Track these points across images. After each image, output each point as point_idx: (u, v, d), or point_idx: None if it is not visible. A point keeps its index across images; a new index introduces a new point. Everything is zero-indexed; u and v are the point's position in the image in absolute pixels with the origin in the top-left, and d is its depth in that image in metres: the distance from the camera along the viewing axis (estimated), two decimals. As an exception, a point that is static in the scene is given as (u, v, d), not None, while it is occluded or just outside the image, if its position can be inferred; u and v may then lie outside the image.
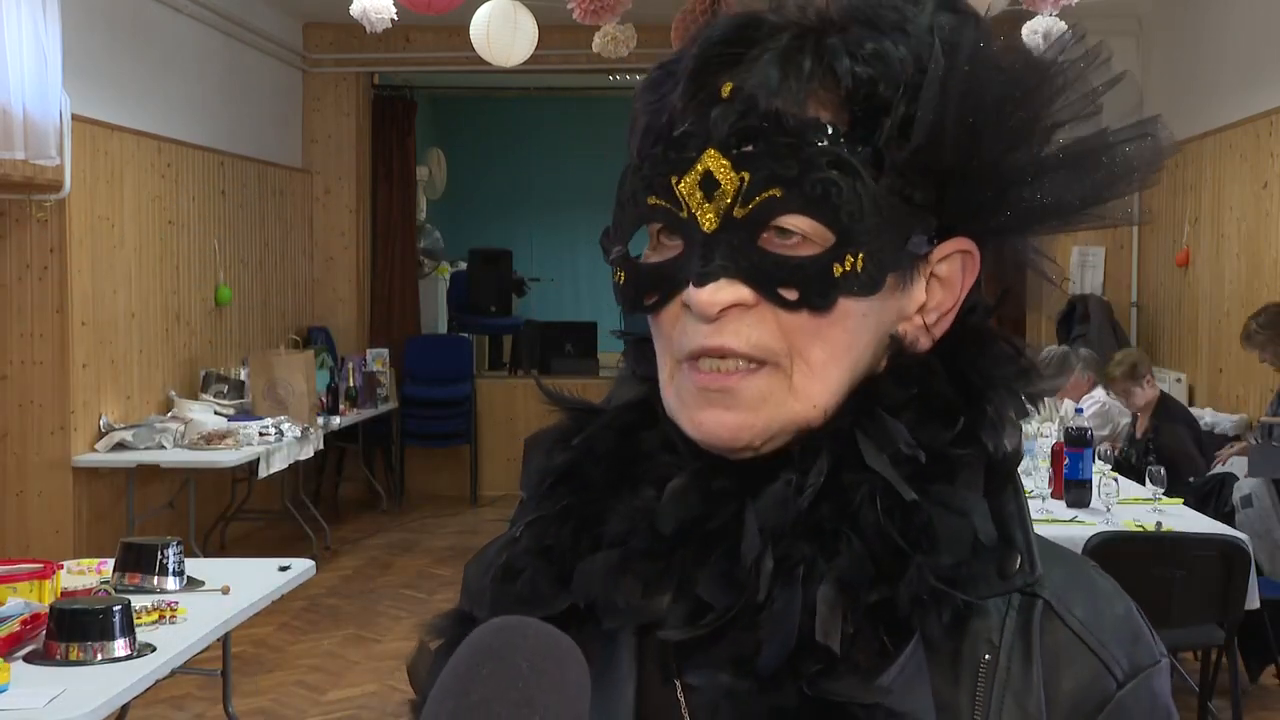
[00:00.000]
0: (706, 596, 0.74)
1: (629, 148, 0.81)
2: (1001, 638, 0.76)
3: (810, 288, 0.74)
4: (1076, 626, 0.77)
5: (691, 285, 0.75)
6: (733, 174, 0.74)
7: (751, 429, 0.75)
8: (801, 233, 0.74)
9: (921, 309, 0.79)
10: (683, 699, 0.76)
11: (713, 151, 0.75)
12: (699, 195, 0.75)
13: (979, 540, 0.74)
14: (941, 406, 0.77)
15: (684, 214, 0.76)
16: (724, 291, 0.74)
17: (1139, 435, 5.90)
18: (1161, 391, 6.02)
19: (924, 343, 0.79)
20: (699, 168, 0.75)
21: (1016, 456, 0.79)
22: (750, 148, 0.74)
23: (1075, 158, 0.77)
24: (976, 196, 0.77)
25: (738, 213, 0.75)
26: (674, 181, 0.76)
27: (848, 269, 0.74)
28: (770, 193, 0.74)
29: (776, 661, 0.71)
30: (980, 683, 0.75)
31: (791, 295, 0.74)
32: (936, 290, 0.79)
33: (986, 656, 0.75)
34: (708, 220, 0.75)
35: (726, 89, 0.75)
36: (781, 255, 0.74)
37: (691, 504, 0.76)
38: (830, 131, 0.74)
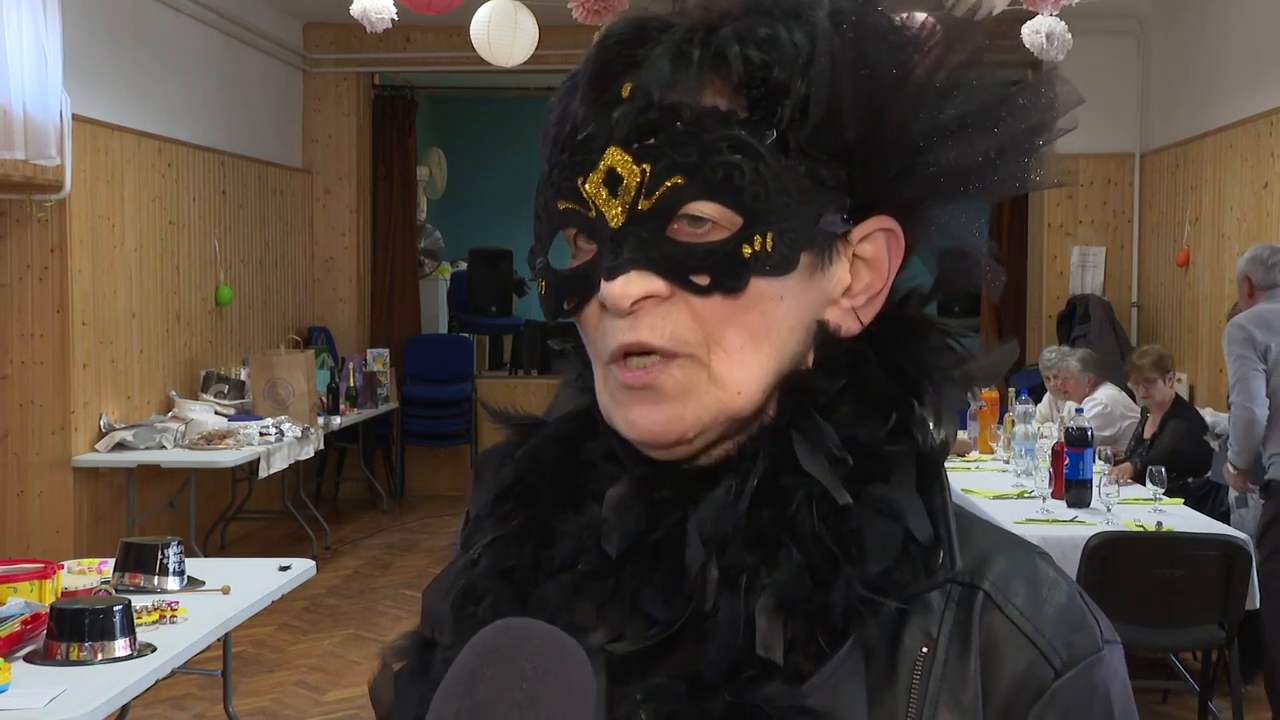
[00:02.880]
0: (649, 610, 0.74)
1: (540, 161, 0.81)
2: (939, 630, 0.75)
3: (721, 271, 0.74)
4: (1015, 616, 0.76)
5: (603, 280, 0.75)
6: (634, 167, 0.75)
7: (682, 420, 0.75)
8: (709, 218, 0.74)
9: (848, 292, 0.79)
10: (642, 713, 0.75)
11: (614, 149, 0.75)
12: (604, 193, 0.76)
13: (910, 541, 0.74)
14: (878, 399, 0.77)
15: (592, 213, 0.76)
16: (635, 283, 0.74)
17: (1147, 435, 5.88)
18: (1177, 395, 6.00)
19: (853, 327, 0.79)
20: (602, 166, 0.76)
21: (944, 450, 0.79)
22: (651, 140, 0.74)
23: (974, 116, 0.77)
24: (883, 168, 0.77)
25: (643, 205, 0.75)
26: (580, 183, 0.77)
27: (757, 249, 0.74)
28: (672, 181, 0.74)
29: (721, 670, 0.71)
30: (916, 675, 0.75)
31: (703, 280, 0.74)
32: (863, 272, 0.79)
33: (923, 649, 0.75)
34: (614, 216, 0.76)
35: (626, 89, 0.76)
36: (691, 243, 0.74)
37: (634, 519, 0.76)
38: (728, 117, 0.74)
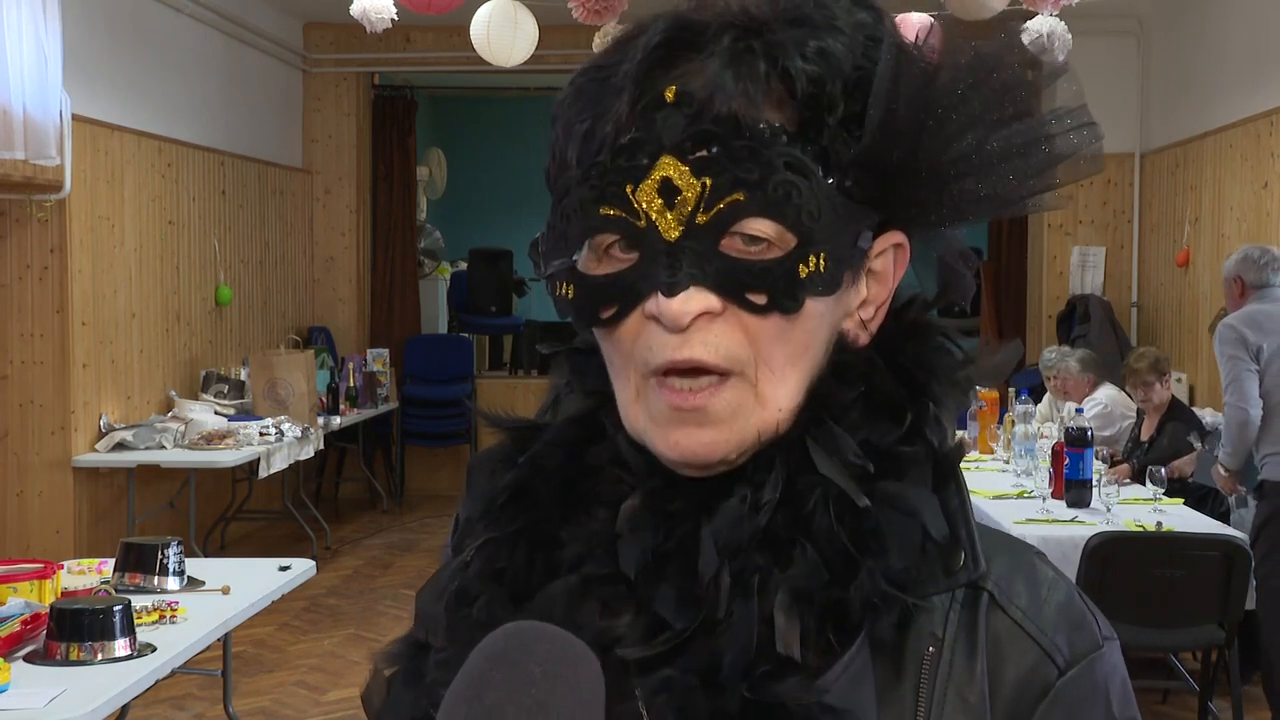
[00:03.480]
0: (664, 615, 0.74)
1: (556, 156, 0.79)
2: (945, 631, 0.76)
3: (778, 291, 0.74)
4: (1018, 616, 0.77)
5: (660, 295, 0.73)
6: (693, 180, 0.73)
7: (727, 444, 0.75)
8: (767, 237, 0.74)
9: (862, 304, 0.79)
10: (644, 710, 0.75)
11: (668, 158, 0.73)
12: (659, 203, 0.74)
13: (929, 539, 0.74)
14: (887, 403, 0.77)
15: (642, 223, 0.74)
16: (694, 300, 0.73)
17: (1144, 437, 5.88)
18: (1174, 396, 5.99)
19: (863, 338, 0.79)
20: (656, 175, 0.74)
21: (960, 451, 0.79)
22: (705, 152, 0.73)
23: (1016, 149, 0.77)
24: (920, 191, 0.77)
25: (700, 219, 0.73)
26: (629, 190, 0.74)
27: (812, 269, 0.74)
28: (733, 198, 0.73)
29: (737, 674, 0.71)
30: (924, 676, 0.75)
31: (760, 300, 0.74)
32: (872, 284, 0.79)
33: (930, 650, 0.76)
34: (670, 229, 0.74)
35: (670, 93, 0.74)
36: (747, 260, 0.74)
37: (650, 534, 0.76)
38: (783, 132, 0.74)
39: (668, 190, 0.74)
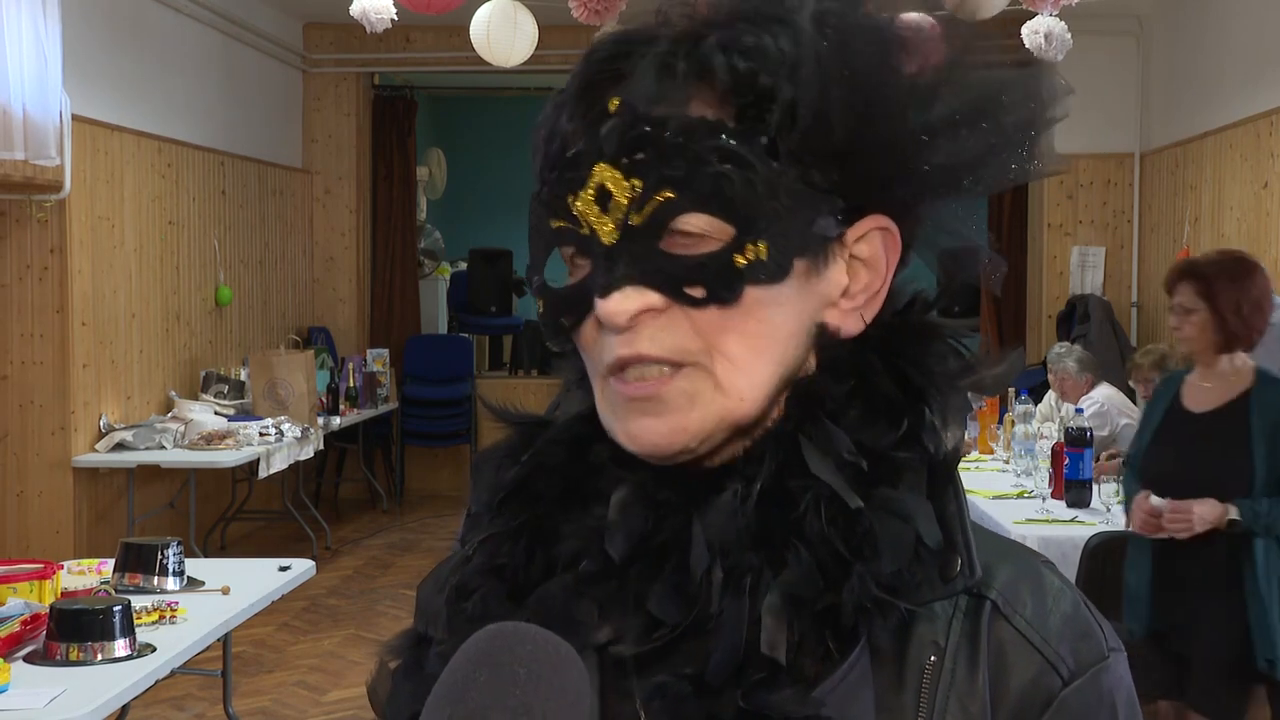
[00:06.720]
0: (657, 612, 0.74)
1: (533, 177, 0.82)
2: (947, 640, 0.75)
3: (715, 282, 0.74)
4: (1022, 626, 0.76)
5: (597, 298, 0.75)
6: (625, 183, 0.75)
7: (685, 431, 0.75)
8: (702, 231, 0.74)
9: (846, 293, 0.79)
10: (642, 712, 0.75)
11: (603, 165, 0.75)
12: (595, 210, 0.76)
13: (922, 545, 0.74)
14: (884, 406, 0.77)
15: (585, 231, 0.76)
16: (630, 300, 0.74)
17: None
18: None
19: (854, 328, 0.79)
20: (592, 183, 0.76)
21: (956, 456, 0.78)
22: (640, 155, 0.74)
23: (964, 114, 0.77)
24: (874, 170, 0.76)
25: (634, 220, 0.75)
26: (570, 200, 0.76)
27: (751, 258, 0.74)
28: (663, 195, 0.74)
29: (725, 672, 0.71)
30: (925, 685, 0.75)
31: (698, 293, 0.74)
32: (861, 272, 0.79)
33: (932, 659, 0.75)
34: (606, 233, 0.75)
35: (614, 104, 0.76)
36: (684, 255, 0.74)
37: (638, 521, 0.76)
38: (716, 127, 0.74)
39: (603, 196, 0.75)
